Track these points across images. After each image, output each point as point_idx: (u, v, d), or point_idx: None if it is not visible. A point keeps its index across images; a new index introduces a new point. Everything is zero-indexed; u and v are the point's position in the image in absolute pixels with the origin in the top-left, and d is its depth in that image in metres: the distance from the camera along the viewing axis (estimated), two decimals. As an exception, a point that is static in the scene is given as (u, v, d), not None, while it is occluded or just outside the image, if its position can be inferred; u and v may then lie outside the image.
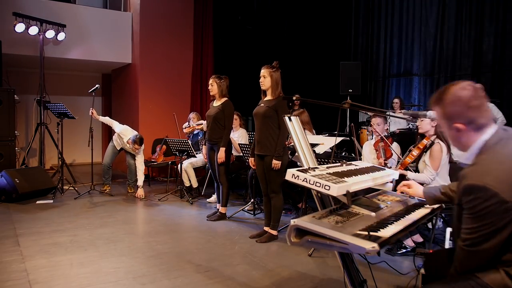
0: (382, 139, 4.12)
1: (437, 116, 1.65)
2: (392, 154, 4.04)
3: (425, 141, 3.61)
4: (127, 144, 5.70)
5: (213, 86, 4.57)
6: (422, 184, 3.60)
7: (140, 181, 5.72)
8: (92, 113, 5.66)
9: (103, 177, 6.08)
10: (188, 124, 6.27)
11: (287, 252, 3.58)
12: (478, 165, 1.51)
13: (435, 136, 3.60)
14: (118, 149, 5.94)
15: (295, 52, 8.71)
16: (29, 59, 6.75)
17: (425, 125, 3.63)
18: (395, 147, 4.11)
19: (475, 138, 1.56)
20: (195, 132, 6.18)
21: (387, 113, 4.36)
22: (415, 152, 3.63)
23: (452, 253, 1.65)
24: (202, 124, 5.84)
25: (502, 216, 1.42)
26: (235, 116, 5.31)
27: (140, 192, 5.69)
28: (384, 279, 2.92)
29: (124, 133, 5.75)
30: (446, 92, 1.59)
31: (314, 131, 5.02)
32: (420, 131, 3.69)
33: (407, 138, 5.53)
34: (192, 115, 6.30)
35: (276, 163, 3.73)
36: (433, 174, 3.50)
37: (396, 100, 6.94)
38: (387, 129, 4.23)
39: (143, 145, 5.79)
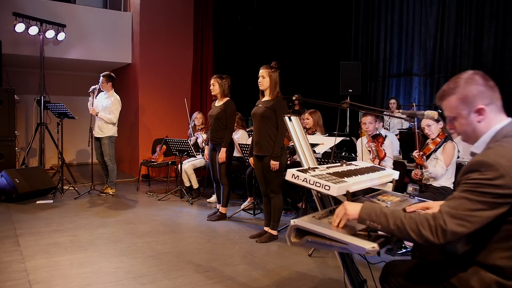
0: (372, 138, 4.09)
1: (453, 105, 1.50)
2: (385, 154, 4.00)
3: (438, 140, 3.66)
4: (101, 90, 5.73)
5: (215, 86, 4.55)
6: (434, 178, 3.63)
7: (103, 116, 5.62)
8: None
9: (103, 175, 6.07)
10: (193, 125, 6.21)
11: (287, 252, 3.59)
12: (492, 148, 1.40)
13: (446, 136, 3.66)
14: (101, 138, 5.76)
15: (295, 52, 8.70)
16: (29, 59, 6.75)
17: (434, 129, 3.66)
18: (388, 145, 4.05)
19: (493, 123, 1.47)
20: (195, 135, 6.15)
21: (385, 112, 4.35)
22: (431, 146, 3.68)
23: None
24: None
25: (497, 200, 1.31)
26: (236, 119, 5.24)
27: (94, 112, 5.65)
28: (384, 279, 2.92)
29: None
30: (458, 78, 1.51)
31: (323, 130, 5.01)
32: (431, 137, 3.69)
33: (408, 138, 5.52)
34: (197, 115, 6.19)
35: (274, 164, 3.73)
36: (444, 169, 3.59)
37: (392, 101, 6.94)
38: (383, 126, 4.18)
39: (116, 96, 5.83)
